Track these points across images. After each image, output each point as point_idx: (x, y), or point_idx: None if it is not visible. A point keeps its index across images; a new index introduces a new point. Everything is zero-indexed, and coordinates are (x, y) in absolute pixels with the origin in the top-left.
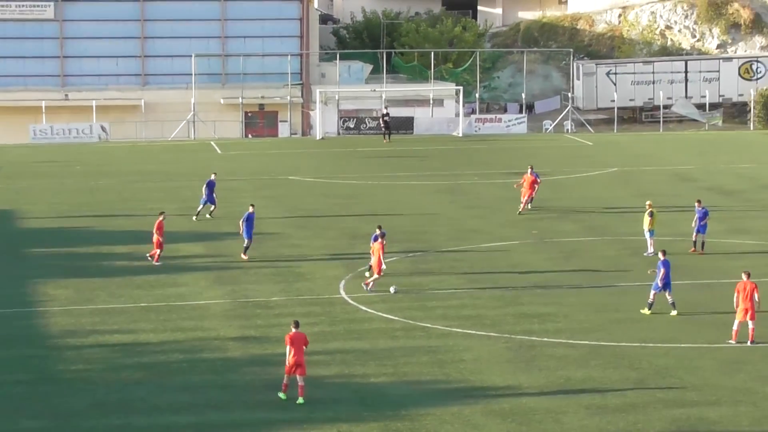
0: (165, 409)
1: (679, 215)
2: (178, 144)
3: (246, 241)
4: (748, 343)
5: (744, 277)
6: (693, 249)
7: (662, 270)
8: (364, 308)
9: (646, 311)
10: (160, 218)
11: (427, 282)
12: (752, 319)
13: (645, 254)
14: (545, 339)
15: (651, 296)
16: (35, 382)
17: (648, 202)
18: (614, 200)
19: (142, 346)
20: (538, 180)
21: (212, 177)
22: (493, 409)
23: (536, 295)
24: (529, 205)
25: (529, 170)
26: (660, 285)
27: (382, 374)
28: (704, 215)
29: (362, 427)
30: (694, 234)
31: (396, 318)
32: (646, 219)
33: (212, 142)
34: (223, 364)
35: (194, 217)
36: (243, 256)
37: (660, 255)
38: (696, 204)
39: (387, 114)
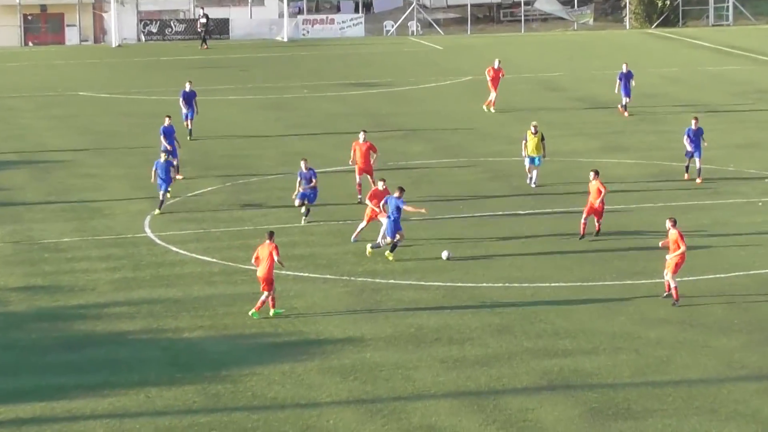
0: None
1: (545, 131)
2: None
3: (174, 159)
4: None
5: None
6: (687, 176)
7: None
8: (174, 249)
9: (369, 251)
10: None
11: (250, 216)
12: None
13: (528, 182)
14: (392, 281)
15: (380, 239)
16: None
17: (534, 123)
18: (469, 115)
19: None
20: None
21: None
22: (332, 366)
23: (379, 228)
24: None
25: (497, 62)
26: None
27: (197, 327)
28: (698, 135)
29: (175, 392)
30: (688, 159)
31: (213, 260)
32: (532, 141)
33: None
34: (5, 319)
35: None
36: (178, 176)
37: (397, 192)
38: (693, 121)
39: (206, 15)
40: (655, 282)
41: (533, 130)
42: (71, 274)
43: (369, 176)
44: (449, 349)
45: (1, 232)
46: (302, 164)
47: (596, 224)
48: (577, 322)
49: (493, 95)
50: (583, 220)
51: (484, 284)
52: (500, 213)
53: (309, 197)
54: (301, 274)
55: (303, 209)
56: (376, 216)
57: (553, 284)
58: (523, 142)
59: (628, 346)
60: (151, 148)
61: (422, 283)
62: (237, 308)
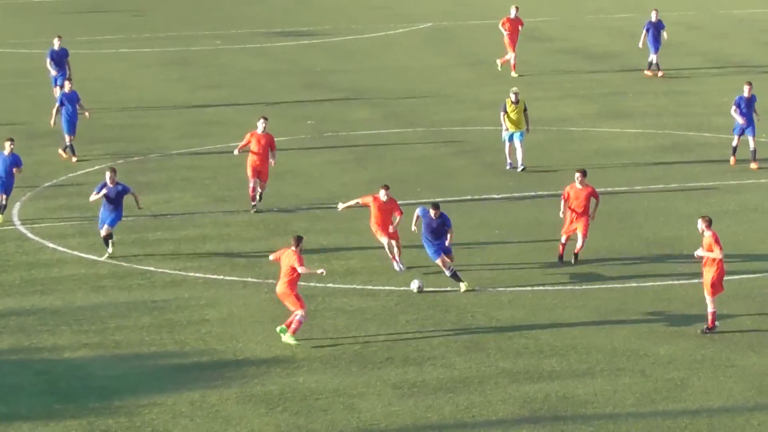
0: None
1: (526, 93)
2: None
3: (67, 137)
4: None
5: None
6: (734, 159)
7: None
8: (51, 245)
9: (463, 287)
10: None
11: (149, 201)
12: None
13: (508, 167)
14: (330, 285)
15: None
16: None
17: (514, 89)
18: (428, 73)
19: None
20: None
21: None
22: (254, 394)
23: (315, 217)
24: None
25: (514, 10)
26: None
27: (82, 346)
28: (751, 105)
29: (53, 428)
30: (737, 137)
31: (101, 259)
32: (512, 113)
33: None
34: None
35: None
36: (63, 153)
37: (431, 211)
38: (746, 87)
39: None
40: (665, 285)
41: (513, 99)
42: None
43: (262, 180)
44: (404, 372)
45: None
46: (108, 175)
47: (578, 244)
48: (566, 336)
49: (511, 55)
50: (563, 240)
51: (449, 288)
52: (468, 197)
53: (112, 221)
54: (214, 276)
55: (108, 240)
56: (394, 235)
57: (536, 288)
58: (502, 113)
59: (632, 366)
60: (22, 117)
61: (369, 287)
62: (132, 321)
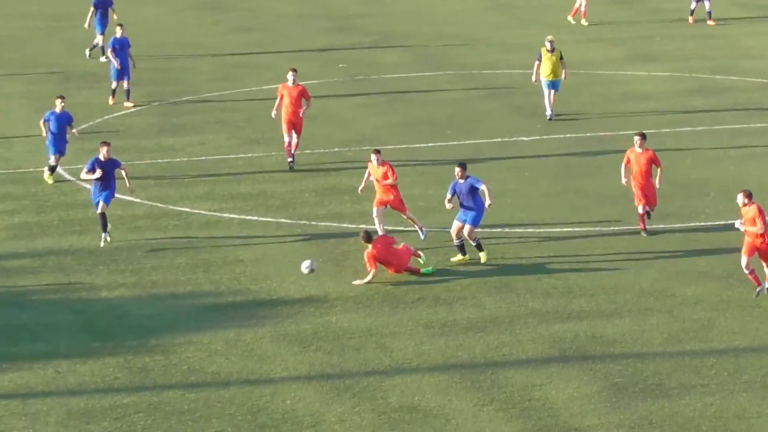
0: None
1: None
2: None
3: (114, 82)
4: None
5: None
6: None
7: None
8: (88, 186)
9: (483, 257)
10: None
11: (184, 143)
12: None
13: (548, 117)
14: (362, 225)
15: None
16: None
17: (549, 38)
18: (458, 16)
19: None
20: None
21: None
22: (288, 333)
23: (346, 160)
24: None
25: None
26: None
27: (119, 285)
28: None
29: (91, 366)
30: None
31: (137, 200)
32: (548, 62)
33: None
34: None
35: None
36: (127, 103)
37: (458, 171)
38: None
39: None
40: (692, 226)
41: (549, 47)
42: None
43: (296, 133)
44: (435, 312)
45: None
46: (103, 150)
47: (644, 211)
48: (595, 276)
49: (580, 1)
50: (641, 211)
51: (478, 229)
52: (498, 139)
53: (106, 197)
54: (248, 217)
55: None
56: (389, 203)
57: (565, 229)
58: (536, 62)
59: (660, 306)
60: (60, 60)
61: (400, 228)
62: (167, 261)
